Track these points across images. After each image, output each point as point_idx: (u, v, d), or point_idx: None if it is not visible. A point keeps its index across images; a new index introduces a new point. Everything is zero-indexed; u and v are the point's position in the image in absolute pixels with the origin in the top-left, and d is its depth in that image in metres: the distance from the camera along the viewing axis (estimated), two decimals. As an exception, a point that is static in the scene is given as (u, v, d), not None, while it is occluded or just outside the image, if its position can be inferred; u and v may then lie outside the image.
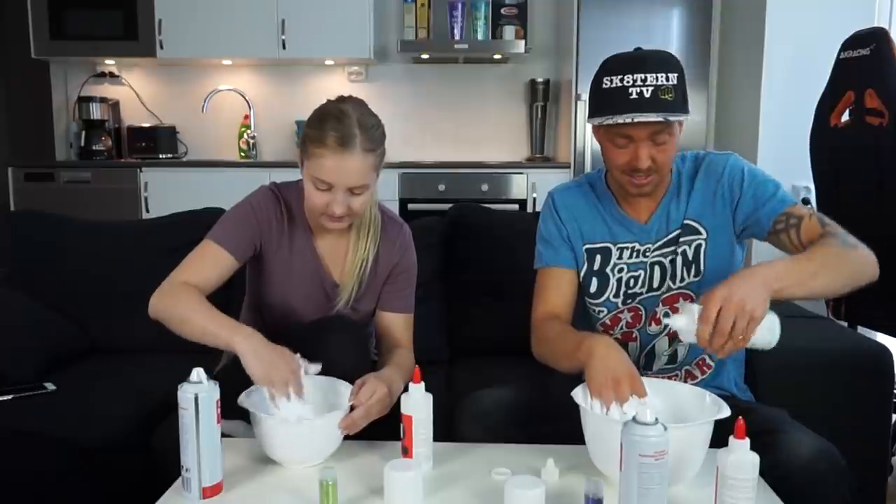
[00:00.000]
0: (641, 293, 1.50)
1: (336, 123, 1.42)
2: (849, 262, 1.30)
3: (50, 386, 1.84)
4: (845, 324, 2.51)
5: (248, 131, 4.33)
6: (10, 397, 1.76)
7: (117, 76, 4.39)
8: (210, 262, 1.50)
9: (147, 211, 3.83)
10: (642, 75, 1.34)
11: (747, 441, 1.06)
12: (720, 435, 1.14)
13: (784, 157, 3.29)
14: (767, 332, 1.23)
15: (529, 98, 4.30)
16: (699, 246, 1.47)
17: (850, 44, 2.41)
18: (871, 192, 2.33)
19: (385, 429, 1.34)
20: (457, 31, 4.05)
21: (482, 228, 2.27)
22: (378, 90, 4.34)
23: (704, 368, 1.52)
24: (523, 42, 3.99)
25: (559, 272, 1.55)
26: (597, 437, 1.21)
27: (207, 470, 1.17)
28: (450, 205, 2.39)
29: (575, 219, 1.55)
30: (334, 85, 4.34)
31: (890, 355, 1.79)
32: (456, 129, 4.42)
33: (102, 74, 4.38)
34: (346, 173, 1.43)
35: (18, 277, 2.23)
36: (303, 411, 1.29)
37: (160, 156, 4.22)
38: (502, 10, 4.15)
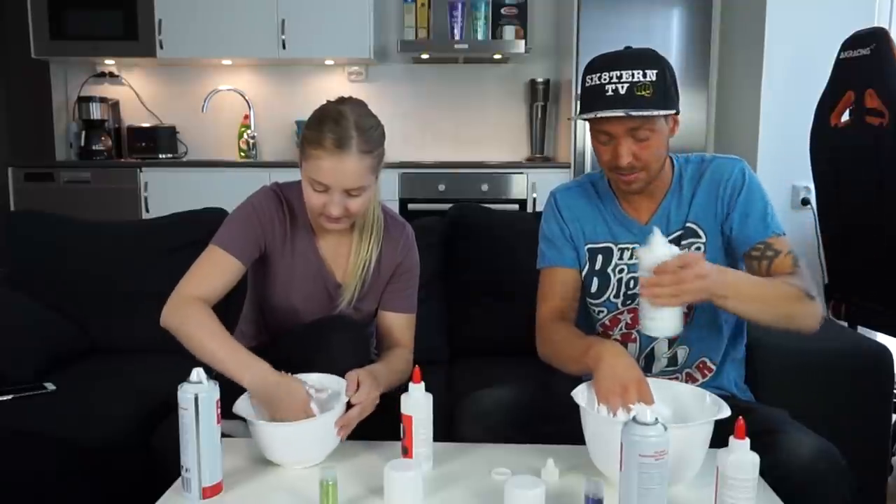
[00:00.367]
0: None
1: (333, 125, 1.43)
2: (792, 308, 1.34)
3: (50, 386, 1.84)
4: (845, 324, 2.52)
5: (248, 131, 4.33)
6: (10, 397, 1.76)
7: (117, 76, 4.39)
8: (217, 270, 1.50)
9: (147, 211, 3.83)
10: (618, 72, 1.36)
11: (747, 441, 1.06)
12: (720, 435, 1.14)
13: (784, 157, 3.29)
14: (674, 318, 1.27)
15: (529, 98, 4.30)
16: (699, 249, 1.47)
17: (850, 44, 2.41)
18: (871, 192, 2.33)
19: (385, 429, 1.34)
20: (457, 31, 4.05)
21: (482, 228, 2.27)
22: (378, 90, 4.34)
23: (706, 371, 1.52)
24: (523, 42, 3.99)
25: (563, 272, 1.55)
26: (597, 438, 1.21)
27: (207, 470, 1.17)
28: (450, 205, 2.39)
29: (577, 218, 1.55)
30: (334, 85, 4.34)
31: (890, 355, 1.79)
32: (456, 129, 4.42)
33: (102, 74, 4.37)
34: (343, 175, 1.43)
35: (18, 277, 2.23)
36: None
37: (160, 156, 4.22)
38: (502, 10, 4.15)
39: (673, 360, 1.52)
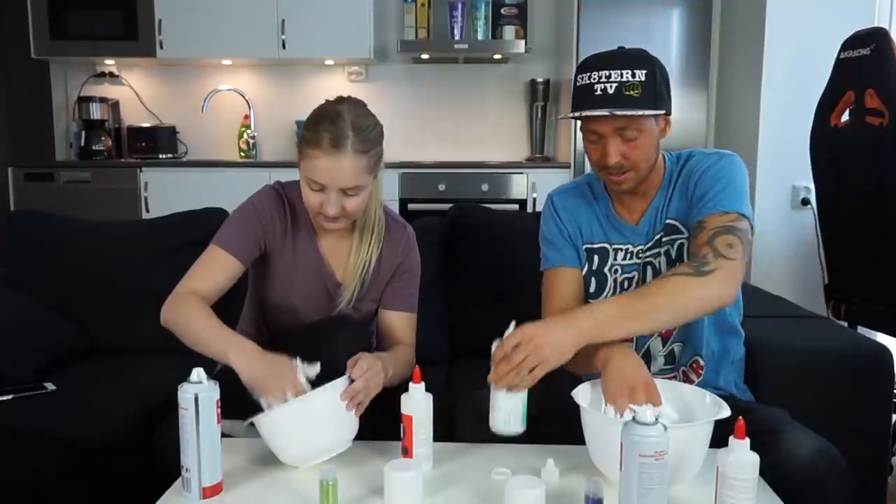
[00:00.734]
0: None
1: (330, 125, 1.43)
2: (683, 298, 1.28)
3: (50, 386, 1.84)
4: (845, 324, 2.52)
5: (248, 131, 4.33)
6: (10, 397, 1.76)
7: (117, 76, 4.40)
8: (216, 268, 1.51)
9: (147, 211, 3.83)
10: (607, 72, 1.37)
11: (747, 441, 1.06)
12: (720, 435, 1.14)
13: (784, 157, 3.29)
14: (504, 414, 1.24)
15: (529, 98, 4.30)
16: (682, 245, 1.48)
17: (850, 44, 2.41)
18: (871, 192, 2.33)
19: (385, 429, 1.34)
20: (457, 31, 4.05)
21: (482, 228, 2.27)
22: (378, 90, 4.34)
23: (699, 371, 1.51)
24: (523, 42, 3.99)
25: (566, 272, 1.55)
26: (597, 437, 1.21)
27: (207, 470, 1.17)
28: (450, 205, 2.39)
29: (574, 219, 1.56)
30: (334, 85, 4.34)
31: (890, 355, 1.79)
32: (456, 129, 4.42)
33: (102, 74, 4.38)
34: (338, 174, 1.43)
35: (18, 277, 2.23)
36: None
37: (160, 156, 4.22)
38: (502, 10, 4.15)
39: (670, 358, 1.52)
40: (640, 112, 1.36)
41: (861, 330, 2.51)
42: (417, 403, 1.26)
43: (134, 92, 4.41)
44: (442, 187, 3.83)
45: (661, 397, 1.25)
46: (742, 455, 1.06)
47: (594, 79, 1.38)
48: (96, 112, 4.20)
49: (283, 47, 4.00)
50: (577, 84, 1.41)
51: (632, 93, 1.35)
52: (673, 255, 1.48)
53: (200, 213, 2.31)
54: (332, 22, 3.98)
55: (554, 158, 4.27)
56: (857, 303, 2.50)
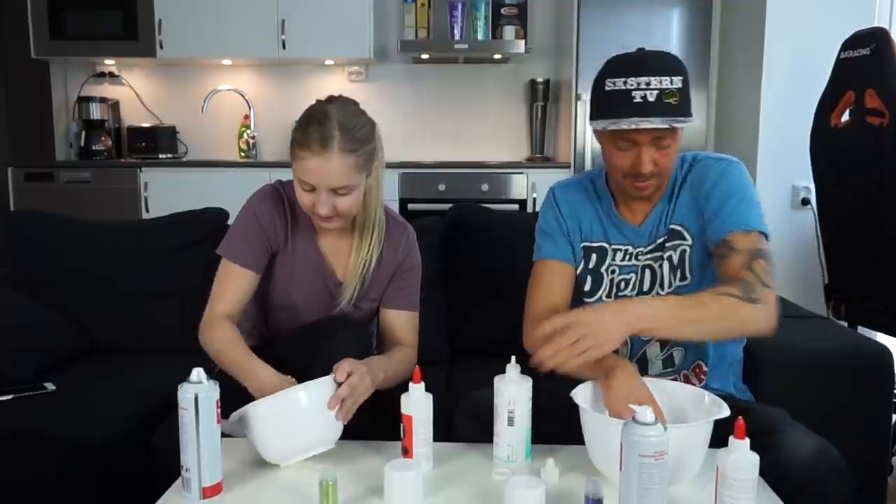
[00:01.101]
0: (631, 296, 1.50)
1: (318, 126, 1.43)
2: (733, 319, 1.29)
3: (50, 386, 1.84)
4: (845, 324, 2.52)
5: (248, 131, 4.33)
6: (10, 397, 1.76)
7: (117, 76, 4.40)
8: (235, 285, 1.55)
9: (147, 211, 3.83)
10: (646, 78, 1.32)
11: (747, 441, 1.06)
12: (720, 435, 1.14)
13: (784, 157, 3.29)
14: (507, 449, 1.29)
15: (529, 98, 4.30)
16: (684, 252, 1.47)
17: (850, 44, 2.41)
18: (871, 192, 2.33)
19: (385, 429, 1.34)
20: (457, 31, 4.05)
21: (482, 228, 2.27)
22: (378, 90, 4.34)
23: (701, 377, 1.51)
24: (523, 42, 3.99)
25: (558, 266, 1.54)
26: (596, 438, 1.21)
27: (207, 470, 1.17)
28: (450, 205, 2.39)
29: (575, 215, 1.55)
30: (334, 85, 4.34)
31: (890, 355, 1.79)
32: (456, 129, 4.42)
33: (102, 74, 4.38)
34: (327, 174, 1.43)
35: (18, 277, 2.23)
36: None
37: (160, 156, 4.22)
38: (502, 10, 4.15)
39: (669, 362, 1.51)
40: (687, 122, 1.34)
41: (861, 330, 2.51)
42: (417, 403, 1.26)
43: (134, 92, 4.41)
44: (442, 187, 3.83)
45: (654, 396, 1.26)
46: (742, 455, 1.06)
47: (631, 85, 1.33)
48: (96, 112, 4.20)
49: (283, 47, 4.00)
50: (608, 89, 1.36)
51: (671, 100, 1.32)
52: (675, 260, 1.47)
53: (200, 213, 2.31)
54: (332, 22, 3.98)
55: (554, 158, 4.27)
56: (857, 303, 2.50)
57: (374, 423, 1.35)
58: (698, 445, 1.17)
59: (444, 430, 1.39)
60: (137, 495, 1.45)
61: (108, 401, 1.77)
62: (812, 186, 2.67)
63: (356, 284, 1.61)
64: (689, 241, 1.47)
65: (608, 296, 1.52)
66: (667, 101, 1.32)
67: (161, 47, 3.99)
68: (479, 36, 4.03)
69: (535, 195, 3.82)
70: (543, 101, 4.23)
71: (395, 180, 3.78)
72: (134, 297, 2.23)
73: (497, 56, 4.15)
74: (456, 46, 4.00)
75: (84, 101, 4.21)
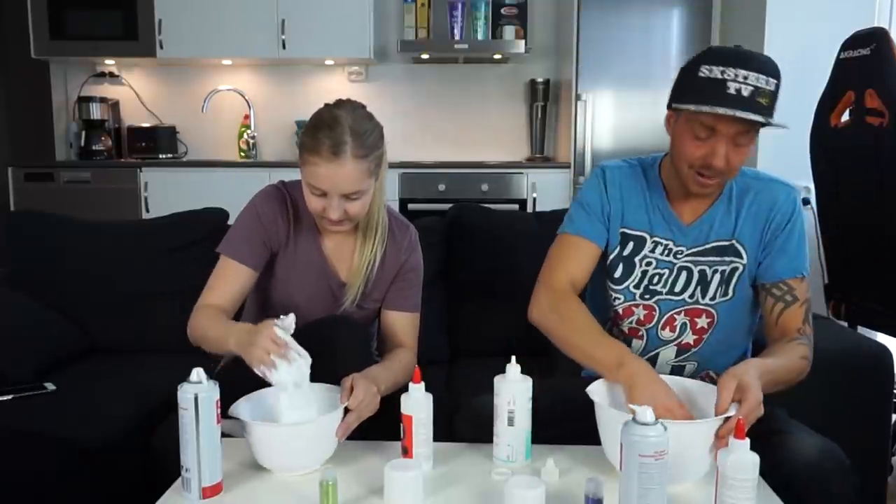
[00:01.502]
0: (661, 293, 1.48)
1: (328, 131, 1.42)
2: (792, 378, 1.36)
3: (50, 386, 1.84)
4: (845, 324, 2.52)
5: (248, 131, 4.33)
6: (10, 397, 1.76)
7: (117, 76, 4.40)
8: (230, 280, 1.54)
9: (147, 211, 3.83)
10: (745, 72, 1.31)
11: (747, 441, 1.06)
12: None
13: (784, 157, 3.27)
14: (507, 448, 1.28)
15: (529, 98, 4.30)
16: (736, 269, 1.46)
17: (850, 44, 2.41)
18: (871, 191, 2.33)
19: (385, 429, 1.34)
20: (457, 31, 4.05)
21: (482, 228, 2.26)
22: (378, 90, 4.34)
23: (707, 380, 1.51)
24: (523, 42, 3.99)
25: (586, 244, 1.49)
26: (613, 434, 1.19)
27: (207, 470, 1.17)
28: (450, 205, 2.39)
29: (621, 198, 1.50)
30: (334, 85, 4.34)
31: (890, 355, 1.79)
32: (456, 129, 4.42)
33: (102, 74, 4.38)
34: (339, 180, 1.43)
35: (18, 277, 2.23)
36: (299, 377, 1.27)
37: (160, 156, 4.22)
38: (502, 10, 4.15)
39: (678, 371, 1.50)
40: (775, 123, 1.32)
41: (861, 330, 2.51)
42: (417, 403, 1.26)
43: (134, 92, 4.41)
44: (442, 187, 3.83)
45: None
46: (742, 455, 1.06)
47: (728, 76, 1.31)
48: (96, 112, 4.20)
49: (283, 47, 4.00)
50: (702, 75, 1.33)
51: (762, 100, 1.31)
52: (725, 274, 1.46)
53: (200, 213, 2.31)
54: (332, 22, 3.98)
55: (554, 158, 4.27)
56: (857, 303, 2.50)
57: (375, 423, 1.35)
58: (708, 443, 1.16)
59: (445, 430, 1.39)
60: (137, 495, 1.45)
61: (108, 401, 1.77)
62: (812, 186, 2.67)
63: (359, 285, 1.61)
64: (745, 261, 1.46)
65: (636, 286, 1.49)
66: (759, 99, 1.30)
67: (161, 47, 3.99)
68: (479, 36, 4.03)
69: (535, 195, 3.82)
70: (543, 101, 4.23)
71: (395, 180, 3.78)
72: (134, 297, 2.23)
73: (497, 56, 4.15)
74: (456, 46, 4.00)
75: (84, 101, 4.21)
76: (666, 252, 1.48)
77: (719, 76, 1.31)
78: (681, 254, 1.47)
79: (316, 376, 1.38)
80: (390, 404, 1.34)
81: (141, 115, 4.39)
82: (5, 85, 4.33)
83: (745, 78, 1.30)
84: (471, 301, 2.21)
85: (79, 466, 1.52)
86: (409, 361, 1.59)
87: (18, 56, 4.11)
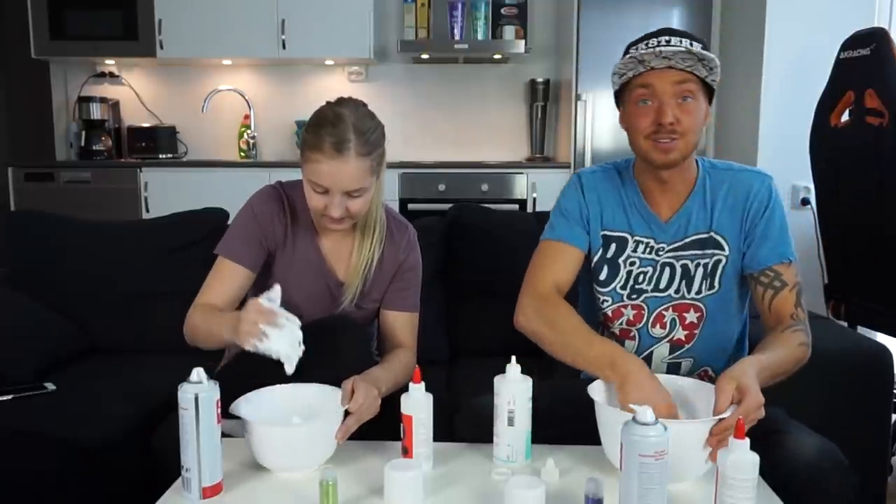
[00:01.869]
0: (647, 291, 1.49)
1: (331, 129, 1.43)
2: (793, 368, 1.36)
3: (50, 386, 1.84)
4: (845, 324, 2.52)
5: (248, 131, 4.33)
6: (10, 397, 1.76)
7: (117, 76, 4.40)
8: (226, 280, 1.55)
9: (147, 211, 3.83)
10: (667, 38, 1.37)
11: (747, 441, 1.06)
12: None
13: (784, 157, 3.29)
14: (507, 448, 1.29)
15: (529, 98, 4.30)
16: (719, 261, 1.46)
17: (850, 44, 2.41)
18: (870, 191, 2.33)
19: (385, 429, 1.34)
20: (457, 31, 4.05)
21: (482, 228, 2.27)
22: (378, 90, 4.34)
23: (706, 379, 1.50)
24: (523, 42, 3.99)
25: (568, 249, 1.51)
26: (612, 433, 1.19)
27: (207, 470, 1.17)
28: (450, 205, 2.39)
29: (599, 202, 1.52)
30: (334, 85, 4.34)
31: (890, 355, 1.79)
32: (456, 129, 4.42)
33: (102, 74, 4.38)
34: (342, 178, 1.43)
35: (18, 277, 2.23)
36: (292, 339, 1.28)
37: (160, 156, 4.22)
38: (502, 10, 4.15)
39: (675, 369, 1.50)
40: (708, 54, 1.34)
41: (861, 330, 2.51)
42: (417, 403, 1.26)
43: (134, 92, 4.41)
44: (442, 187, 3.83)
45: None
46: (742, 455, 1.06)
47: (653, 44, 1.37)
48: (96, 112, 4.20)
49: (283, 47, 4.00)
50: (631, 55, 1.38)
51: (690, 57, 1.35)
52: (709, 268, 1.47)
53: (200, 213, 2.31)
54: (332, 22, 3.98)
55: (554, 158, 4.27)
56: (857, 303, 2.50)
57: (375, 423, 1.35)
58: (703, 442, 1.16)
59: (445, 430, 1.39)
60: (137, 495, 1.45)
61: (108, 401, 1.77)
62: (812, 186, 2.67)
63: (357, 285, 1.61)
64: (727, 252, 1.46)
65: (622, 287, 1.50)
66: (685, 56, 1.34)
67: (161, 47, 3.99)
68: (479, 36, 4.03)
69: (535, 195, 3.82)
70: (543, 101, 4.23)
71: (395, 180, 3.78)
72: (134, 297, 2.23)
73: (497, 56, 4.15)
74: (456, 46, 4.00)
75: (84, 101, 4.21)
76: (648, 250, 1.49)
77: (644, 49, 1.38)
78: (662, 250, 1.48)
79: (316, 376, 1.38)
80: (390, 404, 1.34)
81: (141, 115, 4.40)
82: (5, 85, 4.33)
83: (668, 41, 1.37)
84: (471, 301, 2.21)
85: (79, 466, 1.52)
86: (408, 361, 1.59)
87: (18, 56, 4.11)
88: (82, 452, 1.54)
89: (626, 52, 1.43)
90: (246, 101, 4.35)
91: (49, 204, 3.21)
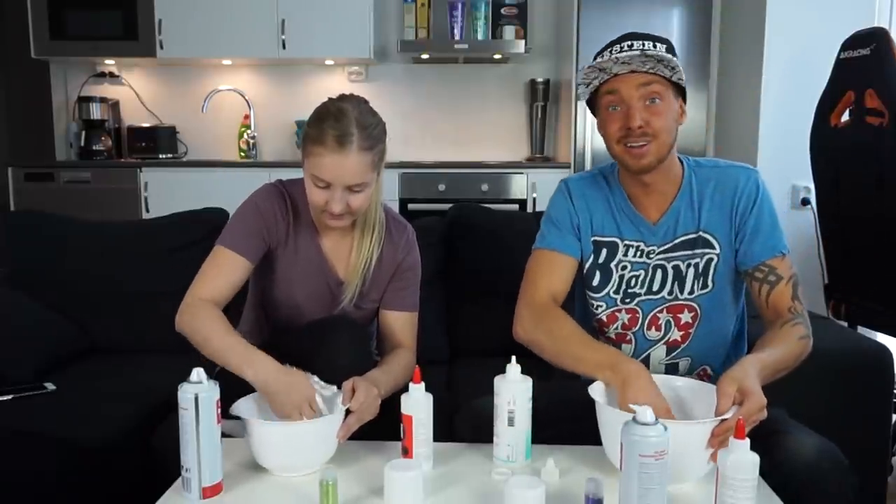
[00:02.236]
0: (640, 294, 1.50)
1: (334, 122, 1.43)
2: (794, 363, 1.35)
3: (50, 386, 1.84)
4: (845, 324, 2.52)
5: (248, 131, 4.33)
6: (10, 397, 1.76)
7: (117, 76, 4.40)
8: (225, 270, 1.51)
9: (147, 211, 3.83)
10: (629, 42, 1.38)
11: (747, 441, 1.06)
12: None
13: (784, 157, 3.29)
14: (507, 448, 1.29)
15: (529, 98, 4.30)
16: (711, 260, 1.46)
17: (850, 44, 2.41)
18: (870, 192, 2.33)
19: (385, 429, 1.34)
20: (457, 31, 4.05)
21: (482, 228, 2.27)
22: (378, 90, 4.33)
23: (705, 379, 1.50)
24: (523, 42, 3.99)
25: (561, 257, 1.52)
26: (613, 433, 1.19)
27: (207, 470, 1.17)
28: (450, 205, 2.39)
29: (587, 208, 1.53)
30: (334, 85, 4.34)
31: (890, 355, 1.79)
32: (456, 129, 4.42)
33: (102, 74, 4.38)
34: (344, 171, 1.43)
35: (18, 277, 2.23)
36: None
37: (160, 156, 4.22)
38: (502, 10, 4.15)
39: (673, 369, 1.50)
40: (669, 56, 1.35)
41: (861, 330, 2.51)
42: (417, 403, 1.26)
43: (134, 92, 4.41)
44: (442, 187, 3.83)
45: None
46: (742, 455, 1.06)
47: (615, 50, 1.37)
48: (96, 112, 4.20)
49: (283, 47, 4.00)
50: (595, 63, 1.39)
51: (652, 58, 1.36)
52: (700, 268, 1.47)
53: (200, 213, 2.32)
54: (332, 22, 3.98)
55: (554, 158, 4.27)
56: (857, 303, 2.50)
57: (375, 423, 1.35)
58: (705, 443, 1.16)
59: (445, 430, 1.39)
60: (137, 495, 1.45)
61: (108, 401, 1.77)
62: (812, 186, 2.67)
63: (357, 284, 1.61)
64: (718, 250, 1.46)
65: (616, 291, 1.51)
66: (648, 57, 1.35)
67: (161, 47, 3.99)
68: (479, 36, 4.03)
69: (535, 195, 3.82)
70: (543, 101, 4.23)
71: (395, 180, 3.78)
72: (134, 297, 2.23)
73: (497, 56, 4.15)
74: (456, 46, 3.99)
75: (84, 101, 4.21)
76: (638, 253, 1.49)
77: (607, 56, 1.38)
78: (653, 253, 1.49)
79: (315, 376, 1.38)
80: (390, 404, 1.34)
81: (141, 115, 4.39)
82: (5, 85, 4.33)
83: (631, 46, 1.37)
84: (471, 301, 2.21)
85: (79, 466, 1.52)
86: (408, 362, 1.59)
87: (18, 56, 4.11)
88: (82, 452, 1.54)
89: (596, 55, 1.43)
90: (246, 101, 4.35)
91: (49, 204, 3.21)
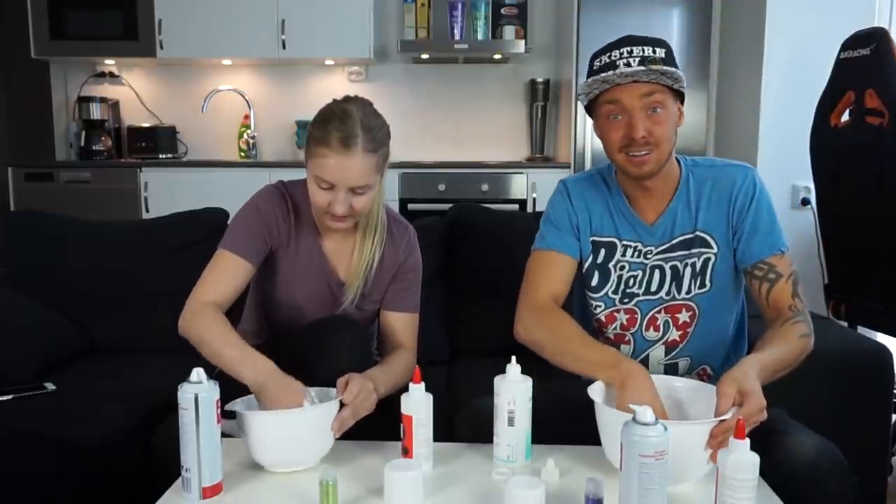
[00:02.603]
0: (638, 294, 1.50)
1: (339, 124, 1.43)
2: (796, 362, 1.35)
3: (50, 386, 1.84)
4: (845, 324, 2.52)
5: (248, 131, 4.33)
6: (10, 397, 1.76)
7: (117, 76, 4.40)
8: (227, 273, 1.51)
9: (147, 211, 3.83)
10: (629, 48, 1.37)
11: (747, 441, 1.06)
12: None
13: (784, 157, 3.29)
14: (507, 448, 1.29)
15: (529, 98, 4.30)
16: (708, 259, 1.46)
17: (850, 44, 2.41)
18: (870, 191, 2.33)
19: (385, 429, 1.34)
20: (457, 31, 4.05)
21: (482, 228, 2.27)
22: (378, 90, 4.33)
23: (705, 379, 1.50)
24: (523, 42, 3.99)
25: (561, 258, 1.52)
26: (612, 433, 1.19)
27: (207, 470, 1.17)
28: (450, 205, 2.39)
29: (586, 208, 1.53)
30: (334, 85, 4.34)
31: (890, 355, 1.79)
32: (456, 129, 4.42)
33: (102, 74, 4.38)
34: (348, 173, 1.43)
35: (18, 277, 2.23)
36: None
37: (160, 156, 4.22)
38: (502, 10, 4.15)
39: (672, 369, 1.50)
40: (671, 69, 1.35)
41: (861, 330, 2.51)
42: (417, 403, 1.26)
43: (134, 92, 4.41)
44: (442, 187, 3.83)
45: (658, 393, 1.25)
46: (742, 455, 1.06)
47: (615, 56, 1.37)
48: (96, 112, 4.20)
49: (283, 47, 4.00)
50: (596, 66, 1.40)
51: (654, 66, 1.35)
52: (697, 267, 1.47)
53: (200, 213, 2.31)
54: (332, 22, 3.98)
55: (554, 158, 4.27)
56: (857, 303, 2.50)
57: (375, 422, 1.35)
58: (704, 444, 1.16)
59: (445, 430, 1.39)
60: (137, 495, 1.45)
61: (108, 401, 1.77)
62: (812, 186, 2.67)
63: (358, 285, 1.61)
64: (715, 250, 1.46)
65: (614, 292, 1.51)
66: (650, 66, 1.35)
67: (161, 47, 3.99)
68: (479, 36, 4.03)
69: (535, 195, 3.82)
70: (543, 101, 4.23)
71: (395, 180, 3.78)
72: (134, 297, 2.23)
73: (497, 56, 4.15)
74: (456, 46, 4.00)
75: (84, 101, 4.21)
76: (636, 254, 1.50)
77: (608, 60, 1.38)
78: (650, 253, 1.49)
79: (315, 377, 1.39)
80: (390, 404, 1.34)
81: (141, 115, 4.39)
82: (5, 85, 4.33)
83: (631, 52, 1.36)
84: (471, 301, 2.21)
85: (79, 466, 1.52)
86: (408, 362, 1.59)
87: (18, 56, 4.11)
88: (82, 452, 1.54)
89: (591, 63, 1.43)
90: (246, 101, 4.35)
91: (49, 204, 3.21)
